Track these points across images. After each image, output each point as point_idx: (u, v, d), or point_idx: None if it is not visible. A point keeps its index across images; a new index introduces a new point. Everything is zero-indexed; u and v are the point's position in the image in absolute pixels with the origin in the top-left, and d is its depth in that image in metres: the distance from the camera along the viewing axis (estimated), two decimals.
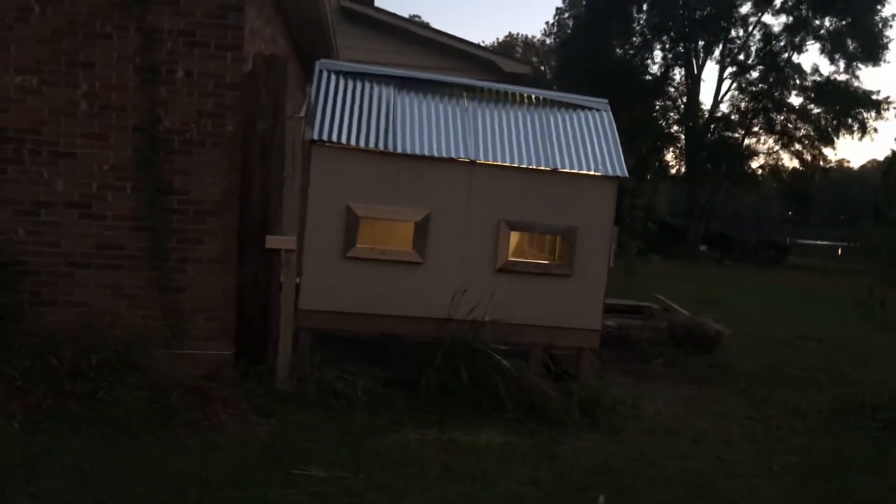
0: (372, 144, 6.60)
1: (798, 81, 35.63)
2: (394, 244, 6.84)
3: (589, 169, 6.94)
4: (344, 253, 6.61)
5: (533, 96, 7.47)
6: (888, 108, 34.58)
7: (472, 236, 6.81)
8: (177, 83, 6.31)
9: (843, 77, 34.91)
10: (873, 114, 34.44)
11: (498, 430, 6.03)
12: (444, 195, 6.75)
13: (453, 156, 6.71)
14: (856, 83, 34.66)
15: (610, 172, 6.97)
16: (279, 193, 6.88)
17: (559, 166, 6.89)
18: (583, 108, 7.43)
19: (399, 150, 6.62)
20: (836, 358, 10.84)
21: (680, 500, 4.95)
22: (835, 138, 35.56)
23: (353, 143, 6.56)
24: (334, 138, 6.53)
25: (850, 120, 34.59)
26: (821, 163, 37.19)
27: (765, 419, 7.28)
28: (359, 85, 6.99)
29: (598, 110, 7.45)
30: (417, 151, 6.66)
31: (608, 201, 7.02)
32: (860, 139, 39.09)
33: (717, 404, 7.67)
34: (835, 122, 34.91)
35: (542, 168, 6.86)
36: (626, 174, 7.02)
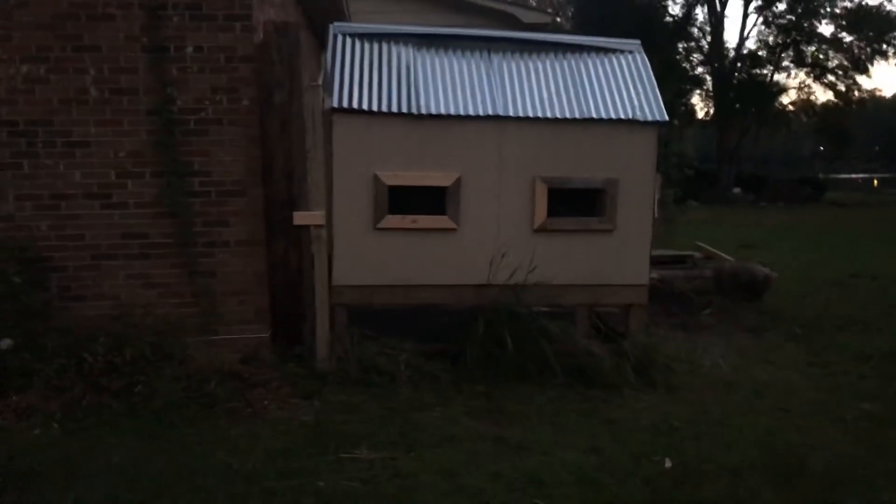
0: (395, 108, 6.26)
1: (829, 9, 34.10)
2: (426, 212, 6.53)
3: (626, 115, 6.53)
4: (375, 224, 6.33)
5: (561, 42, 7.02)
6: None
7: (507, 197, 6.48)
8: (187, 60, 6.02)
9: (875, 1, 33.32)
10: None
11: (548, 397, 5.78)
12: (474, 156, 6.41)
13: (481, 113, 6.35)
14: (888, 6, 33.05)
15: (649, 117, 6.55)
16: (303, 168, 6.60)
17: (594, 115, 6.49)
18: (614, 51, 6.97)
19: (424, 111, 6.28)
20: (893, 295, 10.36)
21: (750, 459, 4.65)
22: (869, 66, 34.11)
23: (375, 108, 6.23)
24: (355, 105, 6.21)
25: (885, 46, 33.09)
26: (856, 93, 35.77)
27: (826, 365, 6.94)
28: (376, 46, 6.62)
29: (630, 52, 6.99)
30: (443, 111, 6.30)
31: (649, 149, 6.61)
32: None
33: (774, 352, 7.33)
34: (869, 49, 33.42)
35: (577, 118, 6.46)
36: (666, 118, 6.59)
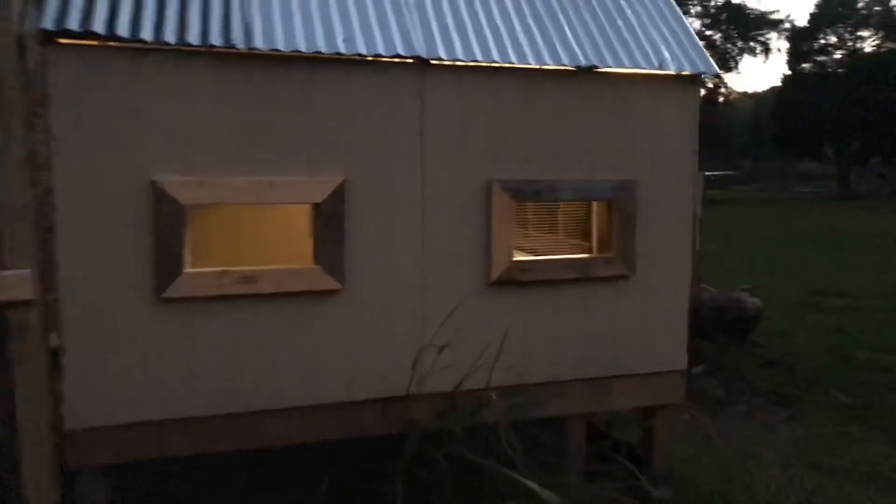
0: (195, 38, 2.86)
1: (696, 7, 33.67)
2: (272, 257, 3.22)
3: (649, 65, 3.50)
4: (159, 291, 2.90)
5: None
6: (785, 28, 33.39)
7: (439, 221, 3.27)
8: None
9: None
10: (774, 35, 33.12)
11: None
12: (371, 140, 3.15)
13: (383, 52, 3.09)
14: (752, 4, 33.18)
15: (687, 68, 3.57)
16: None
17: (595, 63, 3.41)
18: None
19: (263, 46, 2.93)
20: (883, 318, 8.21)
21: None
22: (736, 63, 34.07)
23: (148, 35, 2.80)
24: (100, 27, 2.74)
25: (752, 43, 33.10)
26: (723, 90, 35.75)
27: None
28: None
29: None
30: (305, 48, 2.98)
31: (687, 122, 3.64)
32: (764, 62, 37.93)
33: (855, 456, 4.60)
34: (737, 45, 33.33)
35: (565, 67, 3.36)
36: (715, 69, 3.64)
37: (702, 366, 6.35)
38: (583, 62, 3.39)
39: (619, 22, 3.67)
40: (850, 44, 39.01)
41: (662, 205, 3.61)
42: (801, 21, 36.08)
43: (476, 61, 3.23)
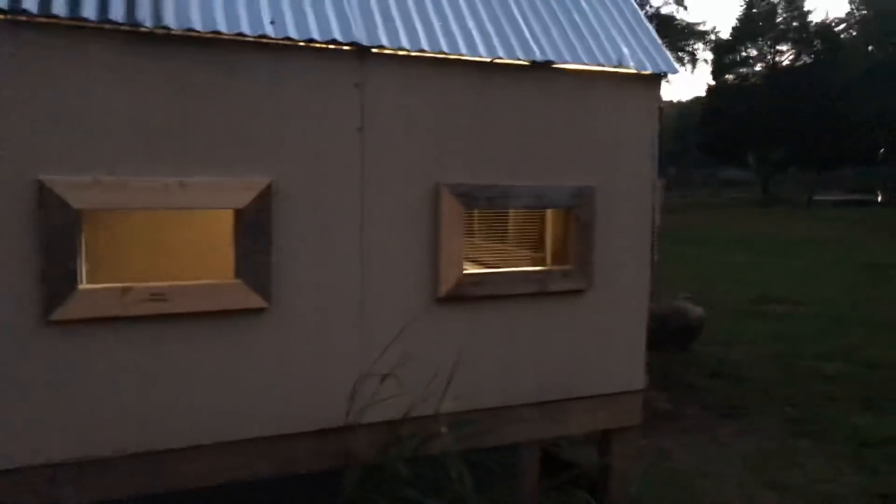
0: (91, 12, 2.41)
1: None
2: (187, 272, 2.79)
3: (608, 62, 3.24)
4: (47, 312, 2.43)
5: None
6: (710, 40, 34.40)
7: (379, 229, 2.90)
8: None
9: (668, 10, 34.10)
10: (701, 45, 34.09)
11: None
12: (304, 137, 2.76)
13: (317, 38, 2.70)
14: (680, 15, 34.07)
15: (648, 67, 3.32)
16: None
17: (551, 57, 3.12)
18: None
19: (174, 25, 2.50)
20: (832, 329, 8.28)
21: None
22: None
23: (29, 5, 2.34)
24: None
25: (680, 53, 33.96)
26: None
27: None
28: None
29: None
30: (224, 30, 2.57)
31: (647, 125, 3.40)
32: (692, 72, 38.92)
33: (803, 469, 4.48)
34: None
35: (519, 61, 3.06)
36: (675, 69, 3.41)
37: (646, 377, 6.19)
38: (538, 56, 3.10)
39: (577, 17, 3.40)
40: (769, 57, 40.67)
41: (622, 213, 3.35)
42: (725, 34, 37.26)
43: (422, 51, 2.89)
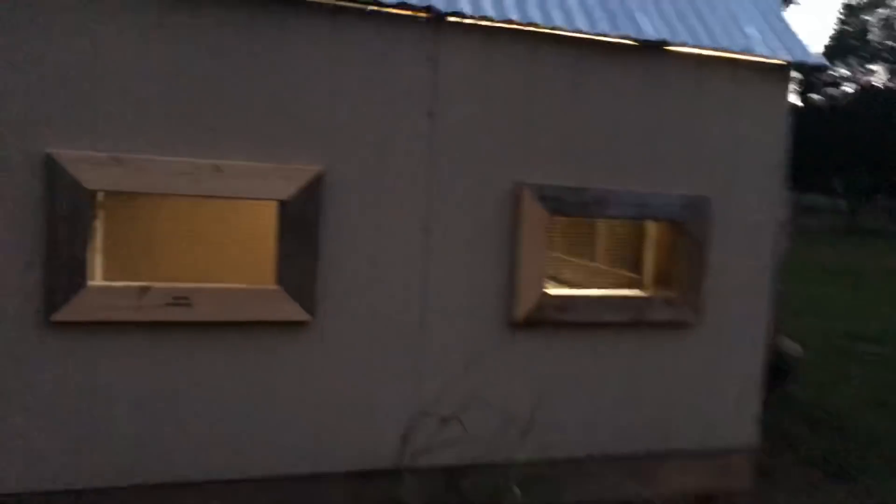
0: None
1: None
2: (216, 273, 2.37)
3: (733, 46, 2.67)
4: (47, 311, 2.03)
5: None
6: None
7: (447, 234, 2.41)
8: None
9: None
10: None
11: None
12: (362, 119, 2.29)
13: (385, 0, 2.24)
14: None
15: (784, 54, 2.73)
16: None
17: (666, 37, 2.57)
18: None
19: None
20: None
21: None
22: None
23: None
24: None
25: None
26: None
27: None
28: None
29: None
30: None
31: (774, 127, 2.80)
32: None
33: None
34: None
35: (625, 40, 2.52)
36: (824, 61, 2.80)
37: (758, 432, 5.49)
38: (650, 34, 2.55)
39: None
40: (861, 77, 38.54)
41: (740, 231, 2.76)
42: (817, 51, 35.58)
43: (509, 21, 2.39)
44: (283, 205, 2.24)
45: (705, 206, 2.68)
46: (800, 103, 39.10)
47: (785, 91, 2.86)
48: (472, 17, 2.35)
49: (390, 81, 2.32)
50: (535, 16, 2.43)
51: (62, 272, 2.05)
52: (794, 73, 2.83)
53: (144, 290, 2.14)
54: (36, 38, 1.99)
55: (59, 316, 2.06)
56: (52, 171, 2.01)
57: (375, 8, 2.25)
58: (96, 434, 2.14)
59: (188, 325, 2.19)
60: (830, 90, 39.36)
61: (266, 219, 2.38)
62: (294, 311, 2.26)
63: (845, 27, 37.64)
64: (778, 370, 6.32)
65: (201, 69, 2.13)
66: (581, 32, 2.46)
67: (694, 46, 2.61)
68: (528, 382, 2.48)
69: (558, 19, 2.44)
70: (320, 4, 2.21)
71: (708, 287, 2.71)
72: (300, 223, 2.25)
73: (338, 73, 2.27)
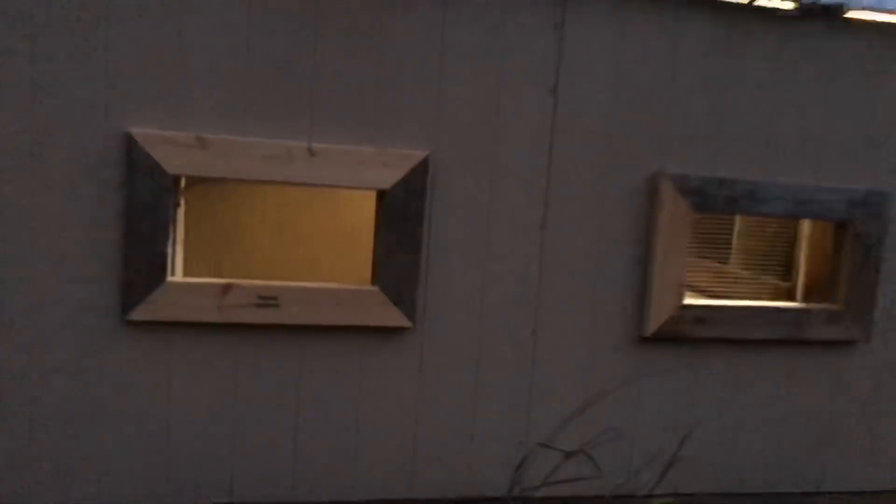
0: None
1: None
2: (301, 271, 2.12)
3: None
4: (123, 309, 1.82)
5: None
6: None
7: (567, 229, 2.06)
8: None
9: None
10: None
11: None
12: (474, 97, 1.97)
13: None
14: None
15: None
16: None
17: (843, 1, 2.13)
18: None
19: None
20: None
21: None
22: None
23: None
24: None
25: None
26: None
27: None
28: None
29: None
30: None
31: None
32: None
33: None
34: None
35: (790, 5, 2.09)
36: None
37: None
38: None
39: None
40: None
41: None
42: None
43: None
44: (383, 195, 1.96)
45: (881, 204, 2.22)
46: None
47: None
48: None
49: (508, 51, 1.99)
50: None
51: (141, 266, 1.84)
52: None
53: (227, 288, 1.90)
54: (114, 14, 1.77)
55: (134, 315, 1.85)
56: (132, 154, 1.79)
57: None
58: (166, 443, 1.92)
59: (275, 328, 1.94)
60: None
61: (363, 210, 2.10)
62: (393, 316, 1.98)
63: None
64: None
65: (291, 43, 1.87)
66: None
67: (882, 11, 2.15)
68: (659, 407, 2.11)
69: None
70: None
71: (880, 300, 2.25)
72: (402, 216, 1.96)
73: (447, 44, 1.96)
